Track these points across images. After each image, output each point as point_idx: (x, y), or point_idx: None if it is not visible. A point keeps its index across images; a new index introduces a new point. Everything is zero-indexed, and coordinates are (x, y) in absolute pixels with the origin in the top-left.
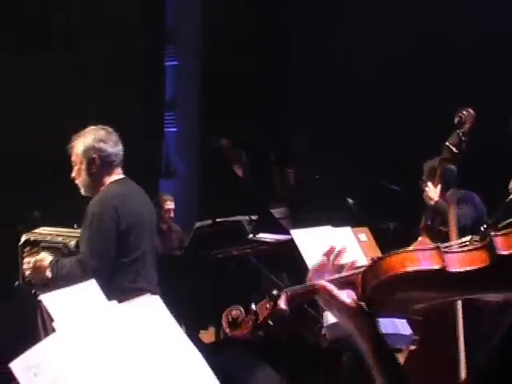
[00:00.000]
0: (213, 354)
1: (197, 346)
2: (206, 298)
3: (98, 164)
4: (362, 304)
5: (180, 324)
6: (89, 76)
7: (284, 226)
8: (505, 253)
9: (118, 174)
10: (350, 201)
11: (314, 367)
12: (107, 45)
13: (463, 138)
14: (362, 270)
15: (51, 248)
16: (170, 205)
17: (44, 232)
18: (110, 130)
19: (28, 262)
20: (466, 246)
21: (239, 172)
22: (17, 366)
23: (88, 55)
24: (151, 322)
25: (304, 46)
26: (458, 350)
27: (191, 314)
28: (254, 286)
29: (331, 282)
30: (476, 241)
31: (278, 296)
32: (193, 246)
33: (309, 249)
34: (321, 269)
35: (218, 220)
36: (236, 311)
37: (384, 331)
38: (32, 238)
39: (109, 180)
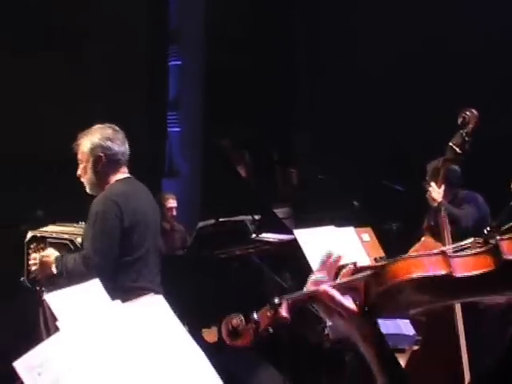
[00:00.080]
0: (216, 354)
1: (200, 346)
2: (209, 298)
3: (105, 162)
4: (365, 308)
5: (183, 323)
6: (92, 76)
7: (287, 225)
8: (510, 257)
9: (123, 173)
10: (356, 203)
11: (316, 367)
12: (111, 45)
13: (466, 139)
14: (365, 275)
15: (57, 244)
16: (171, 203)
17: (50, 230)
18: (117, 128)
19: (34, 258)
20: (469, 248)
21: (242, 172)
22: (20, 365)
23: (91, 55)
24: (155, 321)
25: (307, 45)
26: (460, 350)
27: (194, 314)
28: (256, 285)
29: (333, 287)
30: (479, 243)
31: (280, 304)
32: (196, 246)
33: (312, 249)
34: (320, 283)
35: (221, 220)
36: (236, 320)
37: (387, 332)
38: (39, 234)
39: (114, 179)
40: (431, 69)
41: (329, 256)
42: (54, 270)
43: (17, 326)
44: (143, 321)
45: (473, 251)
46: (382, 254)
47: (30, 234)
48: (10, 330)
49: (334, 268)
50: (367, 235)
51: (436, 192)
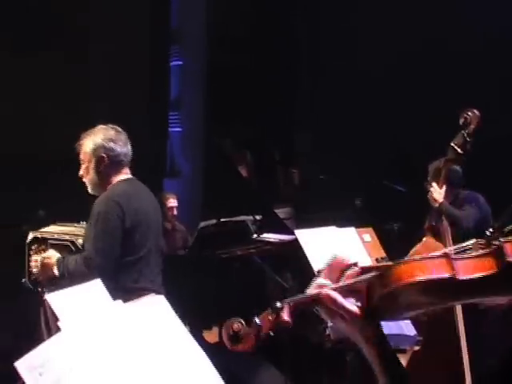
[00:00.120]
0: (217, 354)
1: (201, 346)
2: (210, 298)
3: (107, 163)
4: (367, 310)
5: (184, 324)
6: (93, 76)
7: (288, 226)
8: None
9: (125, 174)
10: (358, 202)
11: (318, 367)
12: (112, 44)
13: (468, 139)
14: (367, 278)
15: (59, 245)
16: (172, 202)
17: (51, 230)
18: (120, 129)
19: (36, 260)
20: (472, 250)
21: (244, 172)
22: (22, 365)
23: (92, 55)
24: (156, 321)
25: (309, 45)
26: (461, 350)
27: (195, 314)
28: (258, 286)
29: (335, 290)
30: (481, 244)
31: (281, 308)
32: (197, 246)
33: (313, 249)
34: (323, 287)
35: (222, 220)
36: (237, 324)
37: (389, 332)
38: (40, 236)
39: (116, 179)
40: (431, 69)
41: (334, 260)
42: (56, 272)
43: (18, 326)
44: (144, 321)
45: (476, 253)
46: (384, 255)
47: (31, 235)
48: (12, 330)
49: (337, 271)
50: (368, 235)
51: (437, 193)
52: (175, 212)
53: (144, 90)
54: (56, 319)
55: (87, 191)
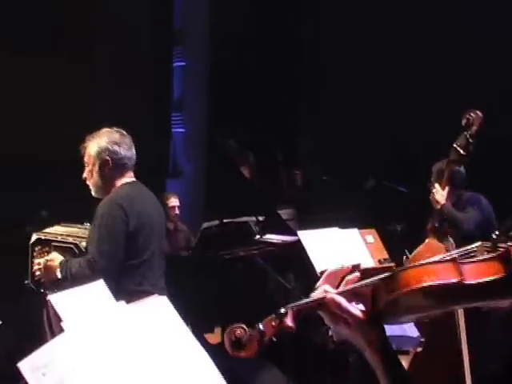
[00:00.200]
0: (220, 355)
1: (204, 347)
2: (213, 299)
3: (111, 166)
4: (372, 315)
5: (187, 324)
6: (96, 76)
7: (291, 227)
8: None
9: (129, 177)
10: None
11: (320, 368)
12: (115, 45)
13: (471, 140)
14: (372, 282)
15: (62, 248)
16: (173, 202)
17: (55, 232)
18: (125, 133)
19: (38, 263)
20: (477, 253)
21: (246, 173)
22: (25, 365)
23: (95, 55)
24: (159, 322)
25: (312, 45)
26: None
27: (198, 314)
28: (260, 286)
29: (340, 294)
30: (487, 247)
31: (285, 313)
32: (200, 247)
33: (316, 250)
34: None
35: (225, 221)
36: (240, 330)
37: (392, 334)
38: (44, 237)
39: (120, 183)
40: (431, 69)
41: (340, 269)
42: (59, 275)
43: (21, 326)
44: (147, 321)
45: (482, 257)
46: (386, 256)
47: (34, 237)
48: (15, 331)
49: (338, 277)
50: (371, 237)
51: (439, 194)
52: (177, 211)
53: (147, 91)
54: (59, 320)
55: (88, 192)
